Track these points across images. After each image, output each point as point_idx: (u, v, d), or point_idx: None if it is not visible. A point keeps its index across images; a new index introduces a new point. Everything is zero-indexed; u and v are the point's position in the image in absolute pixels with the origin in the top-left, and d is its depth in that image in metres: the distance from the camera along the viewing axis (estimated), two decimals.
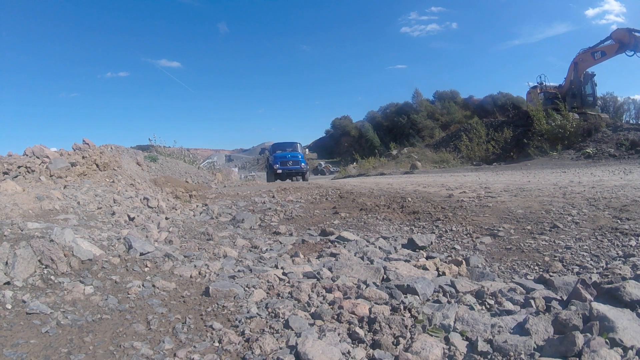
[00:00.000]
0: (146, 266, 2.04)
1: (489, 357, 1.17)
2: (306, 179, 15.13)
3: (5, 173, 3.82)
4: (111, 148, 8.06)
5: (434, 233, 2.89)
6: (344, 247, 2.65)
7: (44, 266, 1.79)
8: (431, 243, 2.66)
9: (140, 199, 4.06)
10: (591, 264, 1.99)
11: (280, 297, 1.70)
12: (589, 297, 1.41)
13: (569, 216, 2.71)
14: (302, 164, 15.24)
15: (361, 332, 1.35)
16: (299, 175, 15.37)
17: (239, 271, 2.08)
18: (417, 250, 2.57)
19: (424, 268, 2.09)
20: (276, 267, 2.21)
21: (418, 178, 8.12)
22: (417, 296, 1.65)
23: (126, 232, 2.63)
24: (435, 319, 1.40)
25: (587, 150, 11.51)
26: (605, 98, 21.54)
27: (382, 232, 3.10)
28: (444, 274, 2.04)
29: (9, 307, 1.47)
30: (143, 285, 1.80)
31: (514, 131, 16.05)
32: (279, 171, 14.68)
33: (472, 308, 1.51)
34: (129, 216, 3.21)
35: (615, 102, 22.37)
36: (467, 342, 1.28)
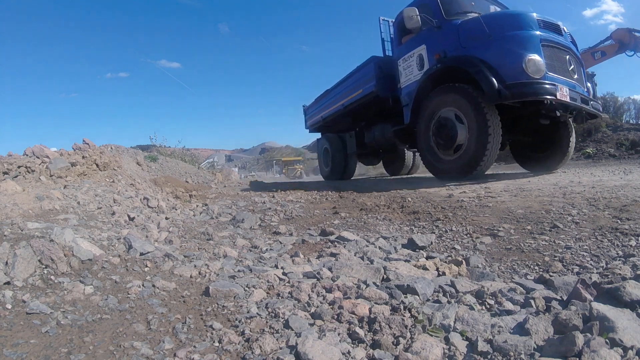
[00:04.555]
0: (146, 266, 2.04)
1: (489, 357, 1.17)
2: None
3: (5, 173, 3.82)
4: (111, 148, 8.06)
5: (434, 233, 2.89)
6: (344, 247, 2.65)
7: (44, 266, 1.79)
8: (431, 243, 2.66)
9: (140, 199, 4.06)
10: (591, 264, 1.99)
11: (280, 297, 1.70)
12: (589, 297, 1.41)
13: (569, 216, 2.71)
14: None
15: (361, 332, 1.35)
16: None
17: (239, 271, 2.08)
18: (417, 250, 2.57)
19: (424, 268, 2.08)
20: (276, 267, 2.21)
21: (418, 178, 8.13)
22: (417, 296, 1.65)
23: (126, 232, 2.64)
24: (435, 319, 1.40)
25: (587, 150, 11.51)
26: (605, 98, 21.52)
27: (382, 232, 3.09)
28: (444, 274, 2.04)
29: (9, 307, 1.47)
30: (143, 285, 1.80)
31: None
32: (558, 95, 4.01)
33: (472, 308, 1.51)
34: (129, 216, 3.21)
35: (615, 102, 22.36)
36: (467, 342, 1.28)
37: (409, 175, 8.17)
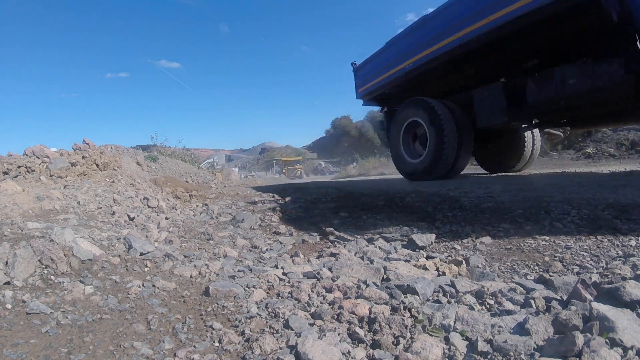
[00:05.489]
0: (146, 266, 2.04)
1: (489, 357, 1.17)
2: None
3: (5, 173, 3.82)
4: (111, 148, 8.07)
5: (434, 233, 2.89)
6: (344, 247, 2.65)
7: (44, 266, 1.79)
8: (431, 243, 2.66)
9: (140, 199, 4.06)
10: (591, 264, 1.99)
11: (280, 297, 1.70)
12: (589, 297, 1.41)
13: (569, 216, 2.71)
14: None
15: (361, 332, 1.35)
16: None
17: (239, 271, 2.08)
18: (417, 250, 2.57)
19: (424, 268, 2.09)
20: (276, 267, 2.21)
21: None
22: (417, 296, 1.65)
23: (126, 232, 2.63)
24: (435, 319, 1.40)
25: (587, 150, 11.50)
26: None
27: (382, 232, 3.09)
28: (444, 274, 2.04)
29: (9, 307, 1.47)
30: (143, 285, 1.80)
31: None
32: None
33: (472, 308, 1.51)
34: (129, 216, 3.21)
35: None
36: (467, 342, 1.28)
37: (521, 173, 5.19)
